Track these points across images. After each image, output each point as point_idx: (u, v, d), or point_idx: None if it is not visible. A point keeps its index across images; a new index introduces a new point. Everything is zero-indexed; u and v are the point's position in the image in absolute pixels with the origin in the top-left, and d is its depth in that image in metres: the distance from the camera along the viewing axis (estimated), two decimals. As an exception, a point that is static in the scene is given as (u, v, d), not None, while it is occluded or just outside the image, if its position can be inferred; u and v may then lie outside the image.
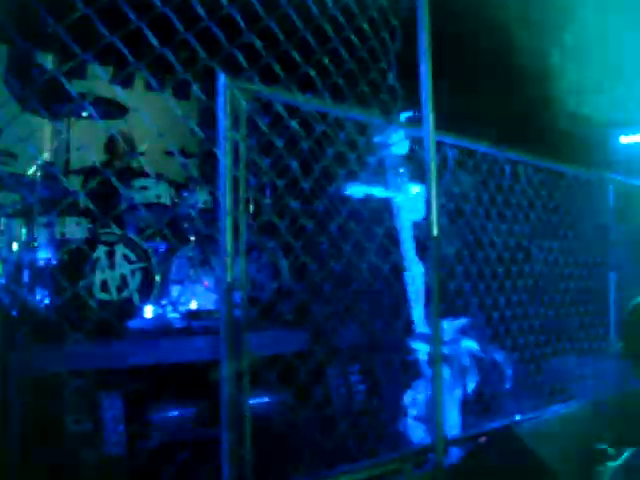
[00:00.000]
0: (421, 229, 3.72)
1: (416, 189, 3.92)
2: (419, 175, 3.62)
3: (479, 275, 3.57)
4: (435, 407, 2.55)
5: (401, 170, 3.68)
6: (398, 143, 3.60)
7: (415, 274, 3.94)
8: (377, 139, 3.60)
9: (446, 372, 3.78)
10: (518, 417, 3.28)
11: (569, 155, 4.16)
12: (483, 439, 3.14)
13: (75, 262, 4.42)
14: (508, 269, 3.73)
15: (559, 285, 4.18)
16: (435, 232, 2.62)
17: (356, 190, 3.40)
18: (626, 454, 2.38)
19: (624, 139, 9.96)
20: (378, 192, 3.79)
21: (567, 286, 4.26)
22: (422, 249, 3.58)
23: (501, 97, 6.30)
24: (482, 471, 3.38)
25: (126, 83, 7.60)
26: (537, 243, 3.99)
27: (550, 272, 4.11)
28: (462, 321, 3.92)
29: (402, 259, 3.50)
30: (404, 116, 3.69)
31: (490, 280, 3.60)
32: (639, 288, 4.87)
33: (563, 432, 3.24)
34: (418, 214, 4.06)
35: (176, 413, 3.80)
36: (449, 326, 3.93)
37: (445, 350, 3.95)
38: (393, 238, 3.17)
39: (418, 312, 3.85)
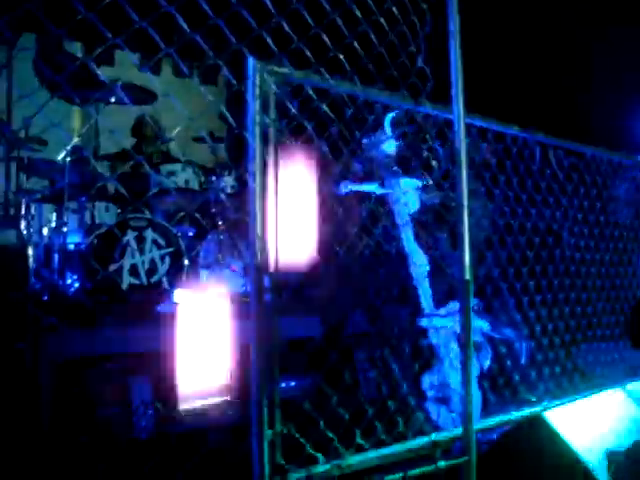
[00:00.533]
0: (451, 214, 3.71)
1: (407, 183, 3.94)
2: (410, 170, 3.63)
3: (508, 260, 3.54)
4: (465, 396, 2.54)
5: (394, 168, 3.70)
6: (386, 142, 3.62)
7: (418, 262, 3.95)
8: (366, 140, 3.63)
9: (456, 349, 3.79)
10: (546, 403, 3.26)
11: (603, 140, 4.10)
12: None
13: (105, 247, 4.46)
14: (537, 253, 3.69)
15: (590, 270, 4.14)
16: (465, 217, 2.59)
17: (347, 189, 3.42)
18: None
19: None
20: (374, 189, 3.81)
21: (598, 271, 4.21)
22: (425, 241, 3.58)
23: (533, 80, 6.22)
24: (511, 459, 3.37)
25: (154, 69, 7.64)
26: (568, 227, 3.95)
27: (581, 257, 4.06)
28: (473, 301, 3.91)
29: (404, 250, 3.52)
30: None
31: (519, 264, 3.56)
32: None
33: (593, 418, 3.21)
34: (413, 207, 4.08)
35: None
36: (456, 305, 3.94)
37: (456, 328, 3.96)
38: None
39: (426, 295, 3.85)
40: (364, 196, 3.33)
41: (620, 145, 4.34)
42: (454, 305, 3.97)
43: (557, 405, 3.23)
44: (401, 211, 3.96)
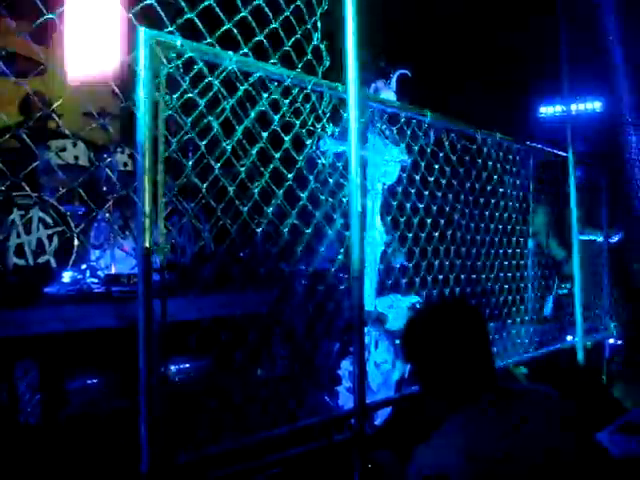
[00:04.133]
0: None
1: (394, 152, 3.90)
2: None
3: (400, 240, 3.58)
4: (357, 373, 2.56)
5: (383, 127, 3.64)
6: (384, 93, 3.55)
7: (373, 240, 3.91)
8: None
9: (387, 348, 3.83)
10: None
11: (492, 124, 4.21)
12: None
13: (-13, 226, 4.26)
14: (429, 234, 3.75)
15: (480, 251, 4.26)
16: (358, 195, 2.59)
17: (329, 146, 3.33)
18: None
19: (544, 110, 10.22)
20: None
21: (487, 252, 4.34)
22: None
23: (424, 64, 6.32)
24: (402, 433, 3.43)
25: (43, 39, 7.29)
26: (459, 210, 4.04)
27: (472, 238, 4.17)
28: (413, 299, 3.95)
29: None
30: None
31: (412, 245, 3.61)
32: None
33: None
34: (390, 178, 4.03)
35: (94, 381, 3.72)
36: (397, 302, 3.97)
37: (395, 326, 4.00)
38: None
39: (370, 279, 3.84)
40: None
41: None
42: (396, 301, 3.99)
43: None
44: (375, 178, 3.90)
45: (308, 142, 2.87)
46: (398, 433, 3.54)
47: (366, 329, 3.58)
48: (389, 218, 3.60)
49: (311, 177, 2.84)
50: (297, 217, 2.69)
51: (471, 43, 6.56)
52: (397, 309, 4.05)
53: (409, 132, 3.44)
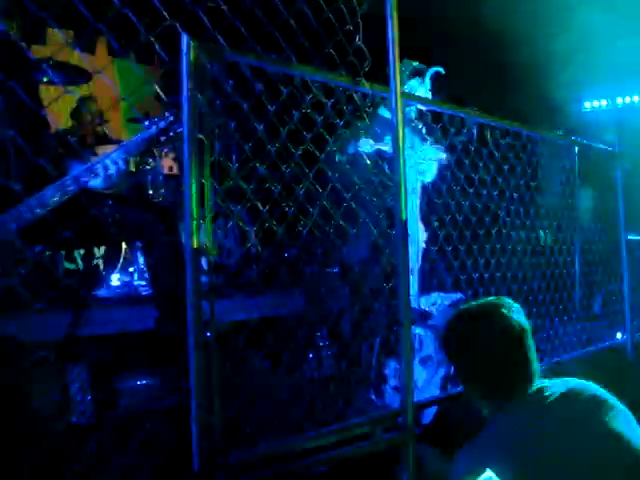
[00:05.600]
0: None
1: (432, 150, 3.88)
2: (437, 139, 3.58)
3: (445, 239, 3.57)
4: (405, 370, 2.56)
5: (420, 126, 3.62)
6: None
7: (413, 239, 3.89)
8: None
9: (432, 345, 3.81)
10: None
11: (535, 121, 4.16)
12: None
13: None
14: (475, 232, 3.73)
15: (526, 248, 4.22)
16: (403, 196, 2.60)
17: (368, 147, 3.32)
18: None
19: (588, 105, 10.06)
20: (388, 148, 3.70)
21: (533, 249, 4.29)
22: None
23: (468, 61, 6.28)
24: (449, 432, 3.42)
25: (88, 48, 7.44)
26: (505, 207, 4.00)
27: (517, 235, 4.13)
28: (455, 296, 3.93)
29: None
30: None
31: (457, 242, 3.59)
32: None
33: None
34: (429, 177, 4.01)
35: (145, 382, 3.78)
36: (441, 299, 3.95)
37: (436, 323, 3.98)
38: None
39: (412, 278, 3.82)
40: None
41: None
42: (439, 299, 3.98)
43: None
44: (413, 177, 3.89)
45: (349, 142, 2.88)
46: (444, 431, 3.52)
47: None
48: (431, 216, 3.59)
49: (354, 177, 2.85)
50: (342, 218, 2.70)
51: (509, 38, 6.48)
52: (441, 306, 4.04)
53: (452, 130, 3.43)
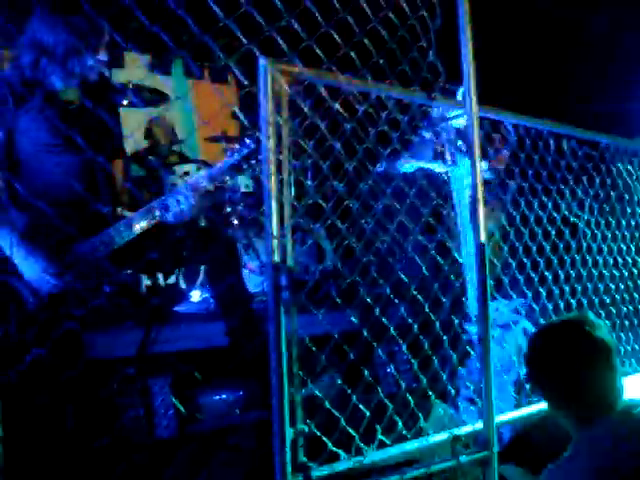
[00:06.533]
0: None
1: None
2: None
3: (535, 257, 3.52)
4: (485, 387, 2.54)
5: (459, 144, 3.63)
6: (458, 117, 3.54)
7: (471, 250, 3.87)
8: (436, 113, 3.54)
9: (500, 352, 3.76)
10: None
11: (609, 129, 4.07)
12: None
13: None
14: (554, 244, 3.67)
15: (607, 259, 4.11)
16: (481, 210, 2.59)
17: (409, 166, 3.35)
18: None
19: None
20: (435, 167, 3.71)
21: (615, 261, 4.18)
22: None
23: (543, 69, 6.19)
24: (531, 450, 3.36)
25: (164, 70, 7.65)
26: (585, 219, 3.92)
27: (598, 247, 4.03)
28: (517, 301, 3.88)
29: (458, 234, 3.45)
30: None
31: (544, 260, 3.54)
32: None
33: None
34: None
35: (225, 396, 3.84)
36: (504, 307, 3.90)
37: (499, 331, 3.92)
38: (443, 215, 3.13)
39: (472, 292, 3.80)
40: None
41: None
42: (502, 306, 3.93)
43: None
44: (463, 192, 3.89)
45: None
46: (525, 447, 3.46)
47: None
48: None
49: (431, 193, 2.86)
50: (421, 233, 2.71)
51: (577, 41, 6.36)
52: (502, 313, 3.98)
53: (528, 142, 3.39)
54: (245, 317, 3.54)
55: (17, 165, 3.02)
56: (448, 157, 3.62)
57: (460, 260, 3.29)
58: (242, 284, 3.62)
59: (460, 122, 3.43)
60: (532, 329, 3.74)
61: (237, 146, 3.10)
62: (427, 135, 3.82)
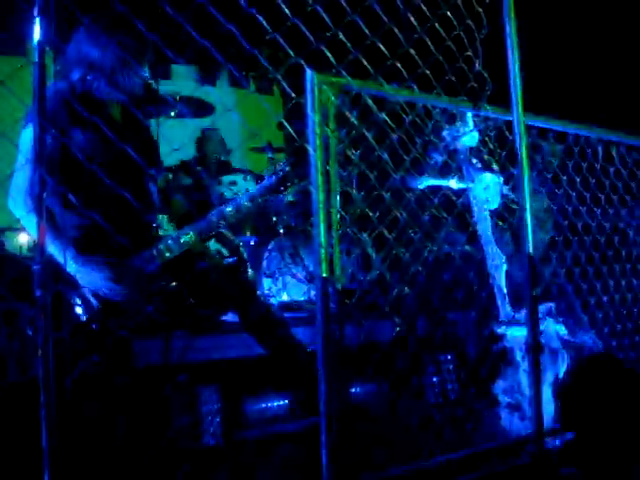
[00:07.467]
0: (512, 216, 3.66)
1: (489, 178, 3.86)
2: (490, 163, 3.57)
3: (573, 260, 3.49)
4: (533, 397, 2.52)
5: (474, 161, 3.64)
6: (468, 134, 3.56)
7: (496, 261, 3.88)
8: (446, 132, 3.58)
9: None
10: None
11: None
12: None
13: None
14: (603, 253, 3.63)
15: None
16: (528, 218, 2.58)
17: (425, 183, 3.37)
18: None
19: None
20: (453, 184, 3.72)
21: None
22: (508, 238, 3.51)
23: (594, 76, 6.12)
24: (581, 461, 3.31)
25: (210, 81, 7.75)
26: (635, 225, 3.87)
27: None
28: (549, 304, 3.85)
29: (482, 249, 3.46)
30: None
31: (585, 264, 3.50)
32: None
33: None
34: (494, 203, 4.00)
35: (272, 404, 3.86)
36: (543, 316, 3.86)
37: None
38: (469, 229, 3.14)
39: (502, 296, 3.79)
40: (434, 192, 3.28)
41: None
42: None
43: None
44: (481, 207, 3.90)
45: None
46: (581, 453, 3.41)
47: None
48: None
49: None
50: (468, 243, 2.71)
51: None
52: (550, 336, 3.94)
53: (577, 150, 3.36)
54: (282, 346, 3.52)
55: (73, 175, 3.07)
56: (464, 174, 3.63)
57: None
58: (270, 312, 3.57)
59: (473, 140, 3.46)
60: (564, 332, 3.70)
61: (275, 167, 3.16)
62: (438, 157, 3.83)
